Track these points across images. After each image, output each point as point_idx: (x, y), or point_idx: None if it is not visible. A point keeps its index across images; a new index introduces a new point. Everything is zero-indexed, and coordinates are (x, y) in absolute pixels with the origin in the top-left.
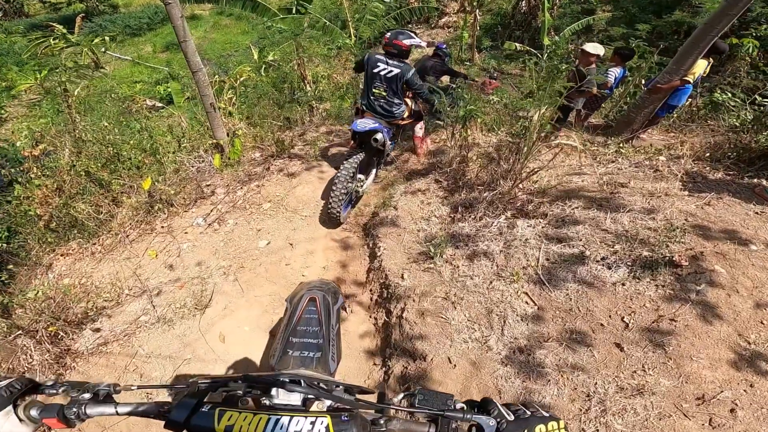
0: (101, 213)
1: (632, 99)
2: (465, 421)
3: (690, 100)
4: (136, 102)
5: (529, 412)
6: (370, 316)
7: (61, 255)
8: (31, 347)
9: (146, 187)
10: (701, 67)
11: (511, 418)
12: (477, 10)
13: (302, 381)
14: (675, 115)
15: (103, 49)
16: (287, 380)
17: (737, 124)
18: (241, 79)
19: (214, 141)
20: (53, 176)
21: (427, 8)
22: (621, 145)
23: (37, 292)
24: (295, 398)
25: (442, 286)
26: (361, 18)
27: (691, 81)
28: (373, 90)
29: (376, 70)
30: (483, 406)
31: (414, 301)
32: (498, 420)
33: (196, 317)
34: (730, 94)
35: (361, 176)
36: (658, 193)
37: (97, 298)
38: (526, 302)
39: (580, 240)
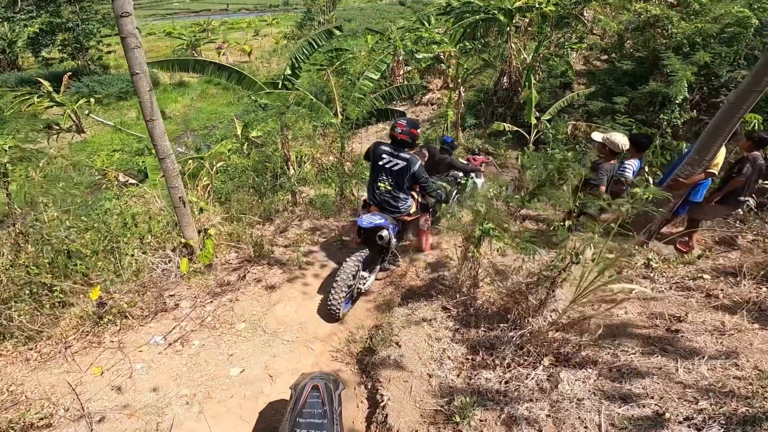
0: (36, 322)
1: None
2: None
3: None
4: (107, 177)
5: None
6: None
7: None
8: None
9: (93, 297)
10: (723, 155)
11: None
12: (461, 87)
13: None
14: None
15: (86, 112)
16: None
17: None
18: (218, 164)
19: (183, 240)
20: None
21: (415, 86)
22: (651, 258)
23: None
24: None
25: None
26: (349, 95)
27: (716, 173)
28: (378, 184)
29: (381, 163)
30: None
31: None
32: None
33: None
34: None
35: (364, 273)
36: (728, 330)
37: (26, 411)
38: None
39: (651, 397)
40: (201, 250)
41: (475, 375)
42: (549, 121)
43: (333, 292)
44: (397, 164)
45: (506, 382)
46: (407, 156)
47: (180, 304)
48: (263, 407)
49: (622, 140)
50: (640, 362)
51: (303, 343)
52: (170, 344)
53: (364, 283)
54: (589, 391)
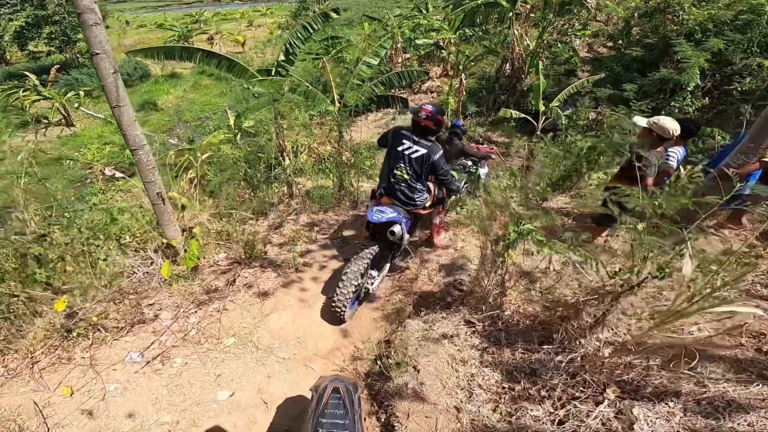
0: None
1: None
2: None
3: None
4: (92, 171)
5: None
6: None
7: None
8: None
9: (59, 308)
10: None
11: None
12: (462, 74)
13: None
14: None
15: (76, 105)
16: None
17: None
18: (204, 156)
19: (166, 241)
20: None
21: (416, 72)
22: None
23: None
24: None
25: None
26: (346, 82)
27: None
28: (395, 172)
29: (400, 149)
30: None
31: None
32: None
33: None
34: None
35: (372, 272)
36: None
37: None
38: None
39: None
40: (185, 251)
41: (518, 410)
42: (561, 108)
43: (338, 292)
44: (417, 151)
45: (561, 422)
46: (429, 144)
47: (160, 315)
48: None
49: (672, 125)
50: (736, 392)
51: (302, 361)
52: (148, 362)
53: (373, 283)
54: None
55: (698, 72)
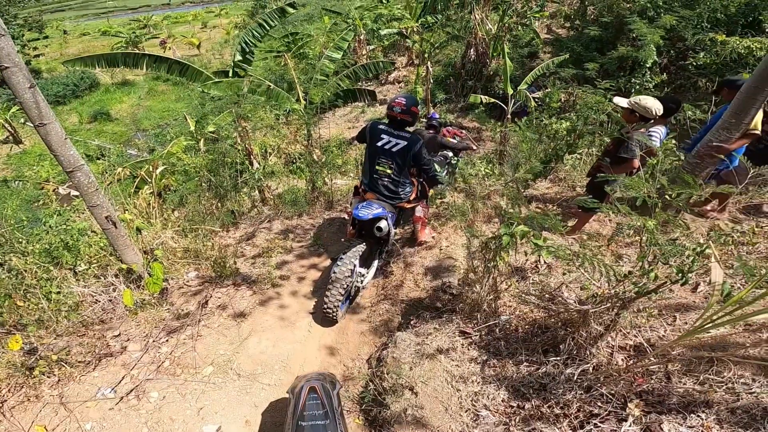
0: None
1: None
2: None
3: None
4: (44, 191)
5: None
6: None
7: None
8: None
9: (15, 348)
10: (761, 116)
11: None
12: (428, 62)
13: None
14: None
15: (22, 120)
16: None
17: None
18: (160, 169)
19: (125, 266)
20: None
21: (382, 63)
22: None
23: None
24: None
25: None
26: (310, 79)
27: (759, 133)
28: (377, 167)
29: (380, 144)
30: None
31: None
32: None
33: None
34: None
35: (361, 270)
36: None
37: None
38: None
39: None
40: (149, 275)
41: None
42: (528, 91)
43: (330, 295)
44: (397, 144)
45: None
46: (408, 135)
47: (128, 347)
48: None
49: (655, 105)
50: None
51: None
52: (122, 398)
53: (362, 281)
54: None
55: (654, 49)
